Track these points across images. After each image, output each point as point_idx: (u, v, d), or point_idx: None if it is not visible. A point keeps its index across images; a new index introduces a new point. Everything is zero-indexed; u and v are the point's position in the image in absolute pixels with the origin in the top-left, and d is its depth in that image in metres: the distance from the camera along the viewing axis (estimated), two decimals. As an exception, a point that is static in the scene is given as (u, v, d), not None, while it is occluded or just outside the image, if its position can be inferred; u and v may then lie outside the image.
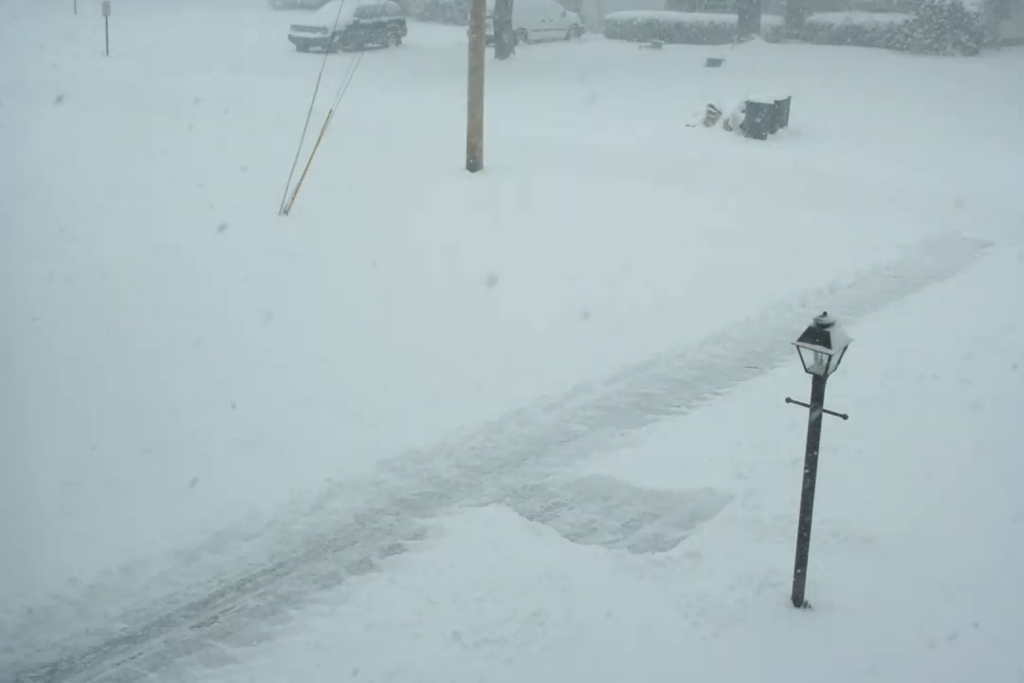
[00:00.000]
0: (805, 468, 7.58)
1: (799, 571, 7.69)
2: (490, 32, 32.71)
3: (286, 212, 17.71)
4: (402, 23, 41.73)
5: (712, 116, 26.04)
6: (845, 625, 7.52)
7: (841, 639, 7.40)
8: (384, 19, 40.81)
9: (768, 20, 42.07)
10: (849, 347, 7.37)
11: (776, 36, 42.00)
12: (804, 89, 27.90)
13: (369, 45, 39.06)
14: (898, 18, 39.76)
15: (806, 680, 7.04)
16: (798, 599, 7.71)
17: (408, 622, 7.55)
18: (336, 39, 38.44)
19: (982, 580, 8.10)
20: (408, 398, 11.01)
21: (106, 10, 37.00)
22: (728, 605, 7.72)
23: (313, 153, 18.43)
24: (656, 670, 7.15)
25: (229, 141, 23.08)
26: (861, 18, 40.80)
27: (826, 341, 7.16)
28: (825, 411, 7.47)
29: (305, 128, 18.64)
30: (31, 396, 10.91)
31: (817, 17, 41.92)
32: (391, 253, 15.77)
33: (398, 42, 41.42)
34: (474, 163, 21.29)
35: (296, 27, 39.62)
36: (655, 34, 42.37)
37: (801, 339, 7.29)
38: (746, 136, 25.14)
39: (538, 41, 42.59)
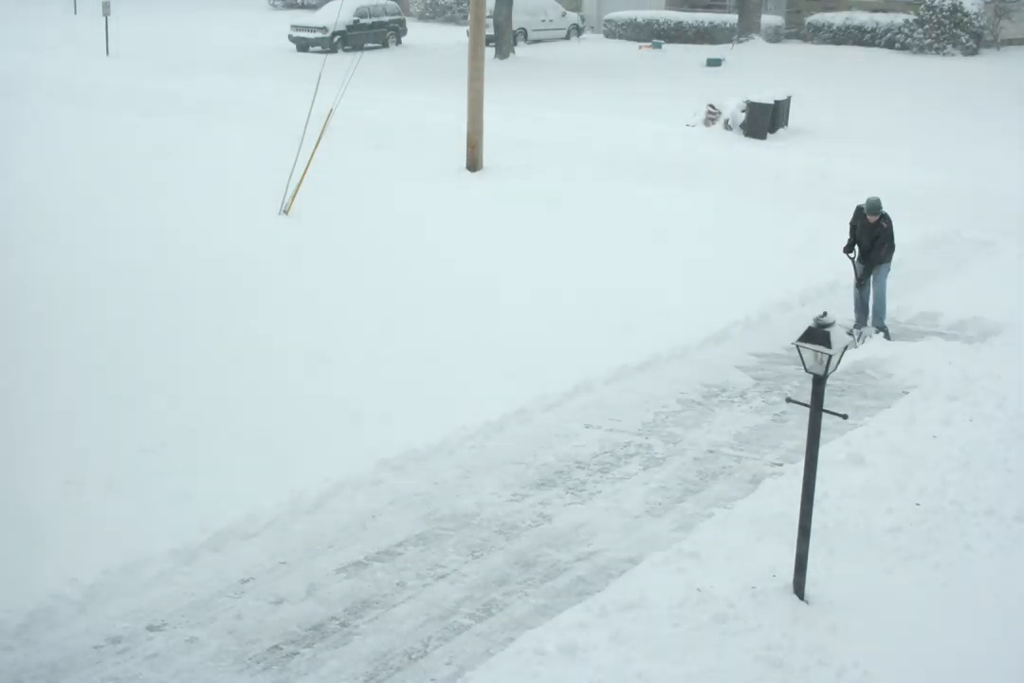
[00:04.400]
0: (805, 467, 7.59)
1: (799, 568, 7.70)
2: (490, 32, 32.68)
3: (286, 212, 17.70)
4: (402, 23, 41.72)
5: (712, 116, 26.03)
6: (845, 622, 7.52)
7: (841, 635, 7.41)
8: (384, 19, 40.79)
9: (768, 20, 42.04)
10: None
11: (776, 36, 41.99)
12: (804, 89, 27.90)
13: (369, 45, 39.02)
14: (898, 18, 39.76)
15: (805, 673, 7.04)
16: (799, 596, 7.72)
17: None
18: (336, 39, 38.48)
19: (982, 581, 8.10)
20: (408, 398, 11.01)
21: (106, 10, 36.99)
22: (729, 601, 7.72)
23: (313, 153, 18.42)
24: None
25: (229, 141, 23.09)
26: (861, 18, 40.79)
27: (826, 341, 7.17)
28: (825, 411, 7.47)
29: (305, 128, 18.64)
30: (31, 396, 10.92)
31: (817, 17, 41.91)
32: (391, 253, 15.78)
33: (398, 42, 41.41)
34: (474, 163, 21.29)
35: (296, 27, 39.61)
36: (655, 34, 42.34)
37: (801, 339, 7.29)
38: (746, 136, 25.12)
39: (538, 41, 42.56)
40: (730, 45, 39.92)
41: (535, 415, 10.91)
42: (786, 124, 25.76)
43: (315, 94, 18.68)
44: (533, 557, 8.55)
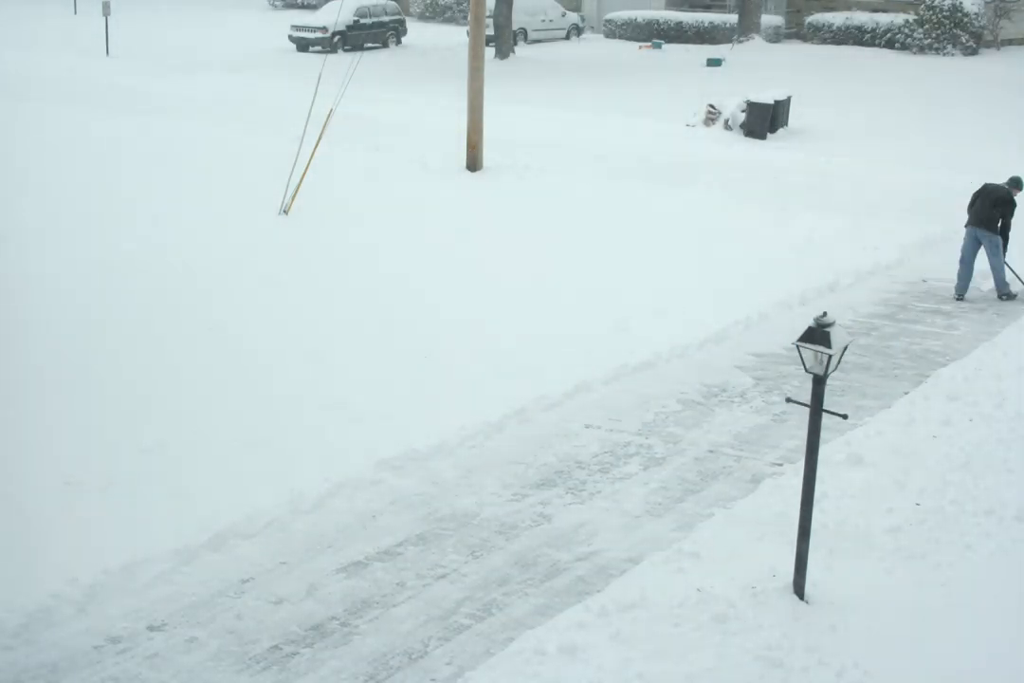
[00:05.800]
0: (805, 467, 7.60)
1: (799, 568, 7.70)
2: (490, 32, 32.68)
3: (286, 212, 17.70)
4: (402, 23, 41.72)
5: (712, 116, 26.04)
6: (845, 622, 7.53)
7: (841, 635, 7.41)
8: (384, 19, 40.80)
9: (768, 20, 42.06)
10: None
11: (776, 36, 42.00)
12: (804, 89, 27.91)
13: (369, 45, 39.05)
14: (898, 18, 39.77)
15: (805, 673, 7.05)
16: (799, 596, 7.72)
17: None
18: (336, 39, 38.50)
19: (982, 581, 8.10)
20: (408, 398, 11.01)
21: (106, 10, 36.99)
22: (729, 601, 7.72)
23: (313, 153, 18.43)
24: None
25: (228, 141, 23.09)
26: (861, 18, 40.80)
27: (826, 341, 7.17)
28: (825, 411, 7.47)
29: (305, 128, 18.65)
30: (31, 396, 10.92)
31: (817, 17, 41.92)
32: (391, 252, 15.78)
33: (398, 42, 41.41)
34: (474, 163, 21.29)
35: (296, 27, 39.62)
36: (655, 34, 42.35)
37: (801, 339, 7.30)
38: (746, 136, 25.13)
39: (538, 41, 42.57)
40: (730, 45, 39.93)
41: (535, 415, 10.91)
42: (786, 124, 25.76)
43: (315, 94, 18.69)
44: (533, 557, 8.55)
